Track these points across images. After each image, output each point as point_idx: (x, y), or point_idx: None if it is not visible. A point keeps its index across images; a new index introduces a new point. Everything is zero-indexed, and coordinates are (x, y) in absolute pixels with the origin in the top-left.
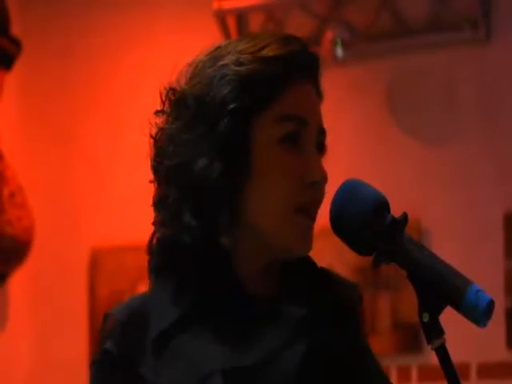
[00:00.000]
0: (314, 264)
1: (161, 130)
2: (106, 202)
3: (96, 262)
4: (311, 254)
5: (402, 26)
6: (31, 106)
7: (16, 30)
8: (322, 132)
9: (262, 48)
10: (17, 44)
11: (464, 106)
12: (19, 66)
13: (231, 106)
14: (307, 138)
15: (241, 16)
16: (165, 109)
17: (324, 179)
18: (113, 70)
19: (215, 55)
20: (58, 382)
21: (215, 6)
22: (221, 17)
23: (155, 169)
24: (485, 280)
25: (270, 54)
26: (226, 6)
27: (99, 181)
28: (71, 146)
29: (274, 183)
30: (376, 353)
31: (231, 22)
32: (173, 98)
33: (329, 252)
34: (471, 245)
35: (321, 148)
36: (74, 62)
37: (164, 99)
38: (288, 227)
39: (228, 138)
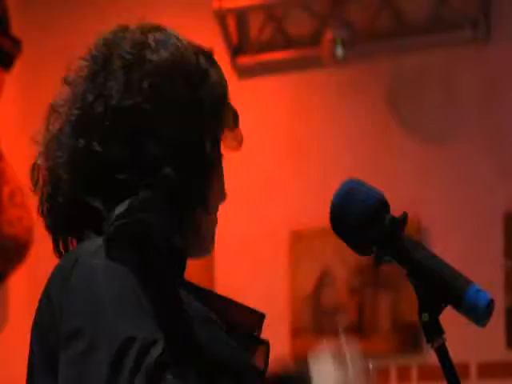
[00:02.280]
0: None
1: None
2: None
3: None
4: (309, 253)
5: (402, 26)
6: (31, 105)
7: (16, 30)
8: None
9: None
10: (17, 44)
11: (464, 105)
12: (19, 66)
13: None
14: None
15: (241, 15)
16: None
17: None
18: None
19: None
20: None
21: (215, 5)
22: (221, 16)
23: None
24: (484, 279)
25: None
26: (226, 5)
27: None
28: None
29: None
30: (376, 353)
31: (231, 22)
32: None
33: (329, 252)
34: (471, 244)
35: None
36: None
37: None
38: (206, 224)
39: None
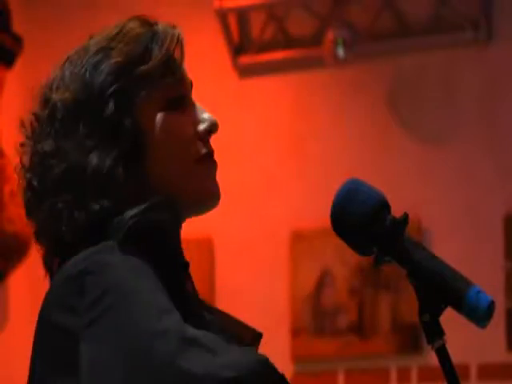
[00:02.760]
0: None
1: (35, 147)
2: None
3: None
4: (310, 253)
5: (403, 27)
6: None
7: (17, 27)
8: (191, 85)
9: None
10: (18, 41)
11: (465, 106)
12: (20, 63)
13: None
14: (187, 96)
15: (242, 15)
16: (31, 132)
17: (215, 123)
18: None
19: (75, 58)
20: None
21: (216, 4)
22: (222, 16)
23: (33, 184)
24: (485, 281)
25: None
26: (227, 4)
27: None
28: None
29: (171, 146)
30: (376, 353)
31: (232, 21)
32: (43, 113)
33: (329, 252)
34: (471, 245)
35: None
36: None
37: (32, 123)
38: (193, 178)
39: (116, 120)
